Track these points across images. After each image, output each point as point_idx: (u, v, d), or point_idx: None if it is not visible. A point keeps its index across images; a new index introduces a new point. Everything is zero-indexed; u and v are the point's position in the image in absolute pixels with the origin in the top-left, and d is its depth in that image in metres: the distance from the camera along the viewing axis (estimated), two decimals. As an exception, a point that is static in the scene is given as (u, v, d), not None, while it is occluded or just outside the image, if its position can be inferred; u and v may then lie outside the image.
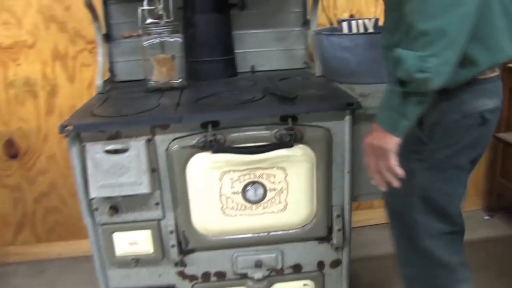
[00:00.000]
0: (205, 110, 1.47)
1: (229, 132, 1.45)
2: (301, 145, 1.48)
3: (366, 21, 1.84)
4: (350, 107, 1.48)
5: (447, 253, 1.30)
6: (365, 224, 2.48)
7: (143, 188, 1.43)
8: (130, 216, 1.50)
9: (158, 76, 1.79)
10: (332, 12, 2.15)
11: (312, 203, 1.55)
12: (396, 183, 1.15)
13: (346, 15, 2.19)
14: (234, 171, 1.48)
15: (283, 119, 1.47)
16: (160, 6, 1.73)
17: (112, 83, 1.97)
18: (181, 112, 1.46)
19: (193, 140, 1.44)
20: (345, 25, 1.84)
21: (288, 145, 1.45)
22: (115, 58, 1.99)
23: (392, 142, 1.10)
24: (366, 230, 2.46)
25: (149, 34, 1.74)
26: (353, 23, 1.84)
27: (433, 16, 0.98)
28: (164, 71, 1.78)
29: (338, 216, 1.58)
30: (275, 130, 1.46)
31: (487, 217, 2.59)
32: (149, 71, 1.79)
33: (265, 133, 1.47)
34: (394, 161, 1.12)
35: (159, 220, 1.52)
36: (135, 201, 1.48)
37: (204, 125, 1.44)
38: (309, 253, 1.62)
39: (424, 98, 1.06)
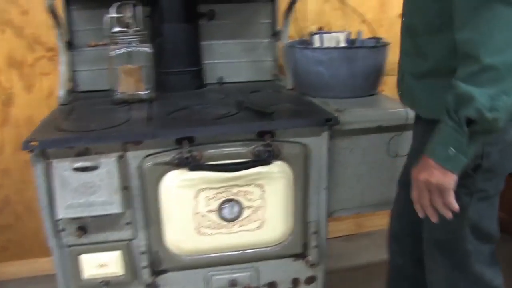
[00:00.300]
0: (180, 126, 1.41)
1: (205, 148, 1.40)
2: (278, 162, 1.45)
3: (339, 34, 1.84)
4: (329, 123, 1.46)
5: (493, 275, 1.28)
6: (330, 236, 2.47)
7: (115, 207, 1.35)
8: (99, 237, 1.42)
9: (125, 87, 1.71)
10: (302, 24, 2.13)
11: (288, 220, 1.52)
12: (450, 216, 1.10)
13: (314, 28, 2.18)
14: (210, 188, 1.43)
15: (260, 135, 1.43)
16: (129, 14, 1.65)
17: (73, 93, 1.87)
18: (155, 127, 1.40)
19: (168, 157, 1.38)
20: (317, 38, 1.84)
21: (266, 162, 1.42)
22: (77, 67, 1.89)
23: (452, 180, 1.06)
24: (332, 243, 2.45)
25: (117, 43, 1.66)
26: (325, 36, 1.83)
27: (500, 50, 0.93)
28: (132, 82, 1.71)
29: (314, 232, 1.56)
30: (253, 147, 1.42)
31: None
32: (115, 82, 1.70)
33: (242, 149, 1.42)
34: (453, 198, 1.07)
35: (130, 240, 1.44)
36: (105, 221, 1.40)
37: (179, 141, 1.39)
38: (284, 271, 1.59)
39: (489, 136, 1.03)
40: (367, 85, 1.74)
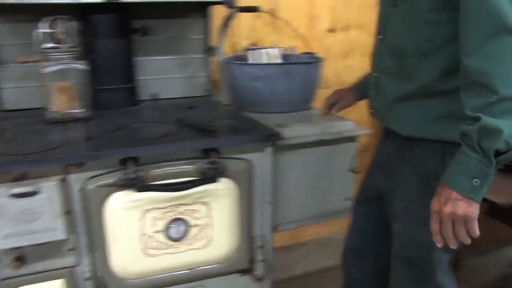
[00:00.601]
0: (124, 145, 1.37)
1: (150, 168, 1.38)
2: (224, 179, 1.45)
3: (274, 49, 1.88)
4: (272, 138, 1.49)
5: (449, 282, 1.35)
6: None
7: (59, 234, 1.28)
8: (39, 266, 1.34)
9: (57, 105, 1.63)
10: (235, 39, 2.16)
11: (234, 236, 1.53)
12: (469, 242, 1.12)
13: (246, 43, 2.21)
14: (156, 209, 1.40)
15: (205, 152, 1.43)
16: (62, 30, 1.59)
17: (-1, 112, 1.75)
18: (99, 148, 1.35)
19: (112, 178, 1.34)
20: (252, 53, 1.87)
21: (213, 179, 1.42)
22: (3, 84, 1.77)
23: (477, 209, 1.08)
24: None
25: (48, 60, 1.59)
26: (260, 52, 1.87)
27: None
28: (65, 100, 1.64)
29: (260, 247, 1.58)
30: (198, 164, 1.42)
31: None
32: (47, 100, 1.62)
33: (188, 167, 1.41)
34: (477, 226, 1.09)
35: (73, 267, 1.38)
36: (47, 248, 1.32)
37: (123, 162, 1.35)
38: (232, 286, 1.59)
39: (507, 161, 1.04)
40: (303, 99, 1.79)
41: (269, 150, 1.51)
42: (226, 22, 1.83)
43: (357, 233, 1.57)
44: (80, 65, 1.62)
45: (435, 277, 1.32)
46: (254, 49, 1.88)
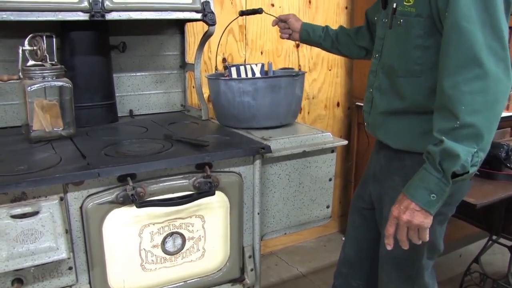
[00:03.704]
0: (122, 162, 1.38)
1: (147, 184, 1.40)
2: (217, 192, 1.49)
3: (253, 65, 1.94)
4: (262, 151, 1.54)
5: (433, 284, 1.46)
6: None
7: (61, 253, 1.27)
8: (37, 287, 1.32)
9: (40, 124, 1.61)
10: (207, 55, 2.20)
11: (226, 247, 1.57)
12: (419, 243, 1.22)
13: (220, 58, 2.26)
14: (154, 224, 1.42)
15: (199, 166, 1.47)
16: (44, 47, 1.58)
17: (-26, 131, 1.71)
18: (96, 166, 1.35)
19: (111, 195, 1.35)
20: (234, 70, 1.92)
21: (210, 193, 1.45)
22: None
23: (431, 220, 1.17)
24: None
25: (31, 78, 1.57)
26: (241, 68, 1.92)
27: (478, 111, 1.06)
28: (49, 118, 1.62)
29: (249, 256, 1.63)
30: (193, 179, 1.45)
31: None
32: (30, 119, 1.60)
33: (183, 182, 1.45)
34: (427, 234, 1.19)
35: (71, 286, 1.37)
36: (45, 269, 1.31)
37: (121, 179, 1.36)
38: (223, 297, 1.64)
39: (464, 182, 1.15)
40: (289, 113, 1.83)
41: (258, 162, 1.57)
42: (205, 39, 1.88)
43: (354, 244, 1.65)
44: (64, 83, 1.61)
45: (423, 278, 1.44)
46: (235, 66, 1.92)
